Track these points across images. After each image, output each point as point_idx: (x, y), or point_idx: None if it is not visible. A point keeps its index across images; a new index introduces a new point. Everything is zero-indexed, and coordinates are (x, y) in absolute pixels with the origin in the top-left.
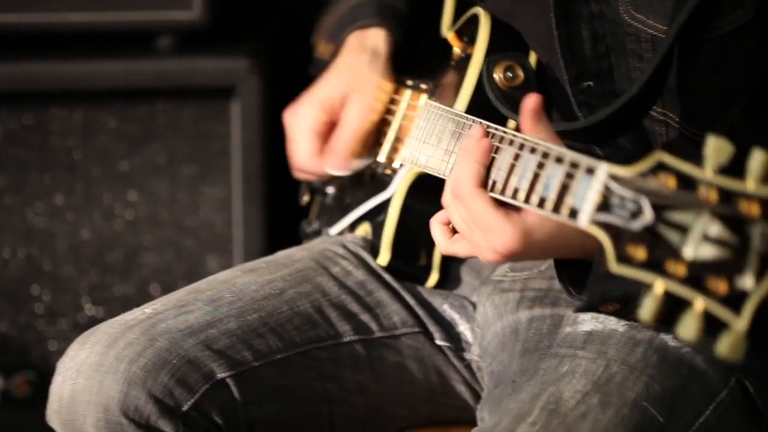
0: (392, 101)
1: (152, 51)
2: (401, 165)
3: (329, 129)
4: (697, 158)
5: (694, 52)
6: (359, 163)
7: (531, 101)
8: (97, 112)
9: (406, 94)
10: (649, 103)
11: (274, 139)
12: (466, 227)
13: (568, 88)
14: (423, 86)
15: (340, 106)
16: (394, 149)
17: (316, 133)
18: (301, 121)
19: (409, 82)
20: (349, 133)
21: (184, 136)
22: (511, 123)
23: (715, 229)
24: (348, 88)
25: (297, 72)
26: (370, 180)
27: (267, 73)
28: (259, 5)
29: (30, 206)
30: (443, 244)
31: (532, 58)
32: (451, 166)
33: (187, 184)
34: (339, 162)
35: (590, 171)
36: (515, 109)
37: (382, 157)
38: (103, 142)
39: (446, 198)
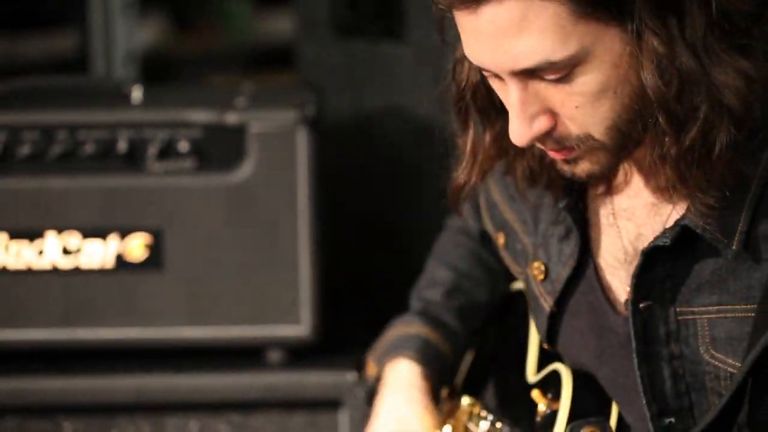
0: None
1: (262, 364)
2: None
3: None
4: None
5: (766, 390)
6: None
7: None
8: (212, 422)
9: None
10: None
11: None
12: None
13: (650, 425)
14: (498, 425)
15: None
16: None
17: None
18: None
19: (500, 426)
20: None
21: None
22: None
23: None
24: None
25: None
26: None
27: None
28: (360, 321)
29: None
30: None
31: (612, 419)
32: None
33: None
34: None
35: None
36: None
37: None
38: None
39: None
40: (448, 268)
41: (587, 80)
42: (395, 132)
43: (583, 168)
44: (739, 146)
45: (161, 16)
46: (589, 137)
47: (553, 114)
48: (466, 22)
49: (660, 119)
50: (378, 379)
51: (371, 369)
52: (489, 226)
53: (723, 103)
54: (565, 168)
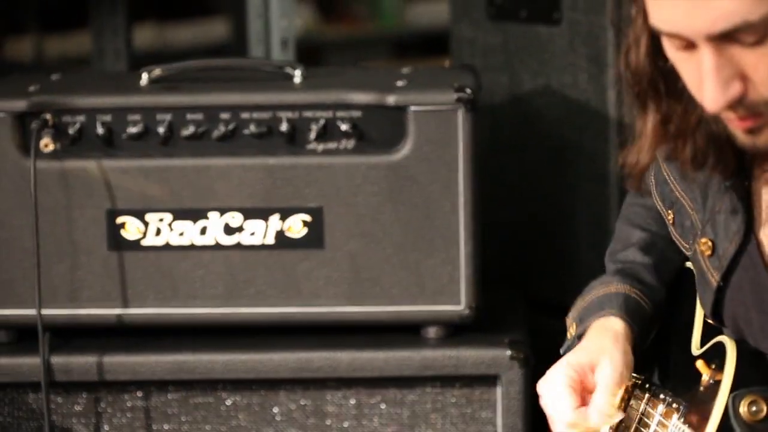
0: (645, 414)
1: (420, 341)
2: None
3: (582, 390)
4: None
5: None
6: (618, 417)
7: None
8: (369, 397)
9: (659, 409)
10: None
11: (535, 424)
12: None
13: None
14: (675, 405)
15: (590, 371)
16: None
17: (572, 389)
18: (555, 382)
19: (663, 396)
20: (605, 386)
21: (452, 421)
22: None
23: None
24: (596, 355)
25: (553, 357)
26: None
27: (527, 362)
28: (517, 299)
29: None
30: None
31: None
32: None
33: None
34: (601, 413)
35: None
36: None
37: None
38: (376, 425)
39: None
40: (640, 228)
41: None
42: (551, 112)
43: (765, 138)
44: None
45: (308, 4)
46: None
47: (744, 79)
48: None
49: None
50: (580, 337)
51: (572, 329)
52: (659, 203)
53: None
54: (747, 139)
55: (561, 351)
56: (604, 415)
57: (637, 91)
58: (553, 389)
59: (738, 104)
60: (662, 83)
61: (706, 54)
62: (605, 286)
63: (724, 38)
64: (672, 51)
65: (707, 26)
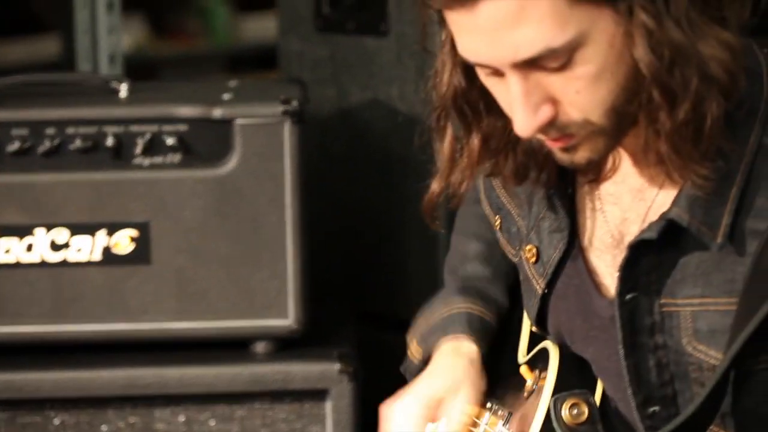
0: (472, 424)
1: (248, 356)
2: None
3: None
4: None
5: (747, 380)
6: None
7: None
8: (199, 414)
9: (485, 418)
10: (706, 423)
11: None
12: None
13: (636, 413)
14: (500, 412)
15: (438, 405)
16: None
17: (424, 424)
18: (408, 414)
19: (489, 405)
20: (454, 425)
21: None
22: None
23: None
24: (450, 389)
25: (384, 375)
26: None
27: (357, 376)
28: (346, 313)
29: None
30: None
31: (597, 394)
32: None
33: None
34: None
35: None
36: None
37: None
38: None
39: None
40: (476, 239)
41: (586, 64)
42: (379, 124)
43: (581, 155)
44: (728, 117)
45: (140, 20)
46: (588, 122)
47: (554, 102)
48: (462, 20)
49: (654, 95)
50: (426, 361)
51: (416, 352)
52: (487, 208)
53: (711, 74)
54: (564, 157)
55: (401, 369)
56: None
57: (445, 116)
58: (406, 421)
59: (549, 127)
60: (482, 102)
61: (513, 81)
62: (448, 306)
63: (530, 65)
64: (483, 76)
65: (510, 55)
